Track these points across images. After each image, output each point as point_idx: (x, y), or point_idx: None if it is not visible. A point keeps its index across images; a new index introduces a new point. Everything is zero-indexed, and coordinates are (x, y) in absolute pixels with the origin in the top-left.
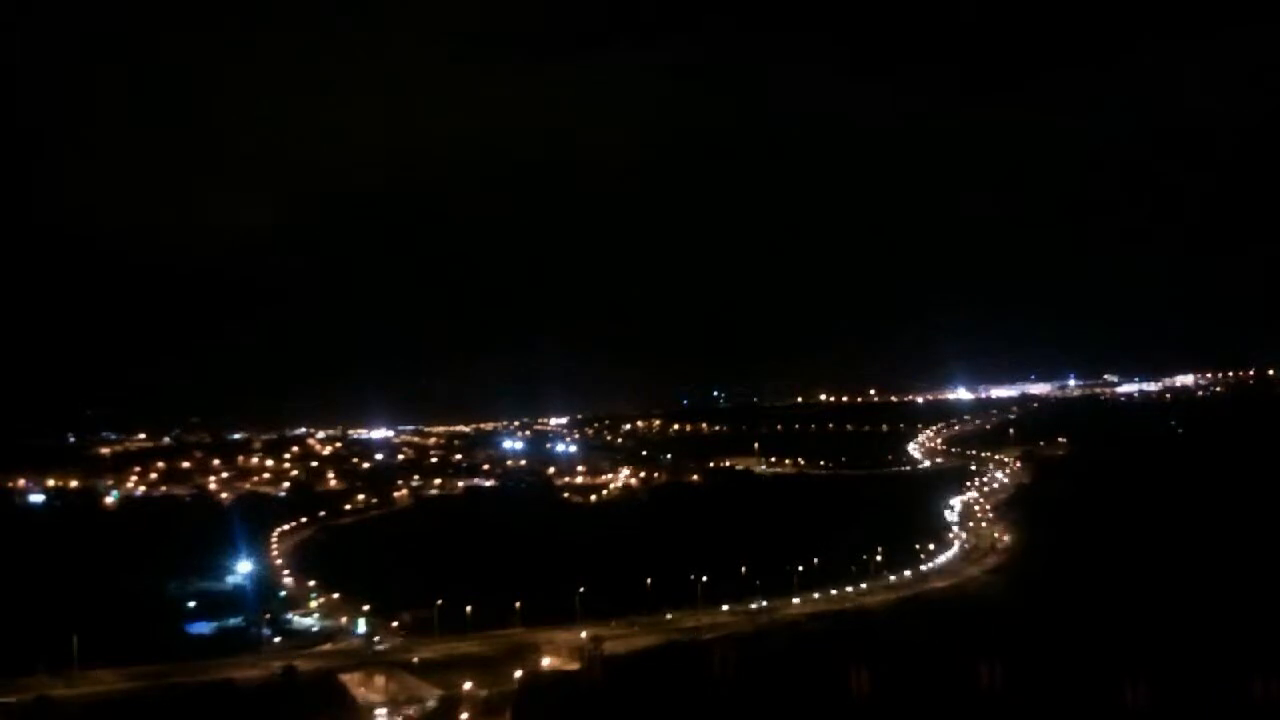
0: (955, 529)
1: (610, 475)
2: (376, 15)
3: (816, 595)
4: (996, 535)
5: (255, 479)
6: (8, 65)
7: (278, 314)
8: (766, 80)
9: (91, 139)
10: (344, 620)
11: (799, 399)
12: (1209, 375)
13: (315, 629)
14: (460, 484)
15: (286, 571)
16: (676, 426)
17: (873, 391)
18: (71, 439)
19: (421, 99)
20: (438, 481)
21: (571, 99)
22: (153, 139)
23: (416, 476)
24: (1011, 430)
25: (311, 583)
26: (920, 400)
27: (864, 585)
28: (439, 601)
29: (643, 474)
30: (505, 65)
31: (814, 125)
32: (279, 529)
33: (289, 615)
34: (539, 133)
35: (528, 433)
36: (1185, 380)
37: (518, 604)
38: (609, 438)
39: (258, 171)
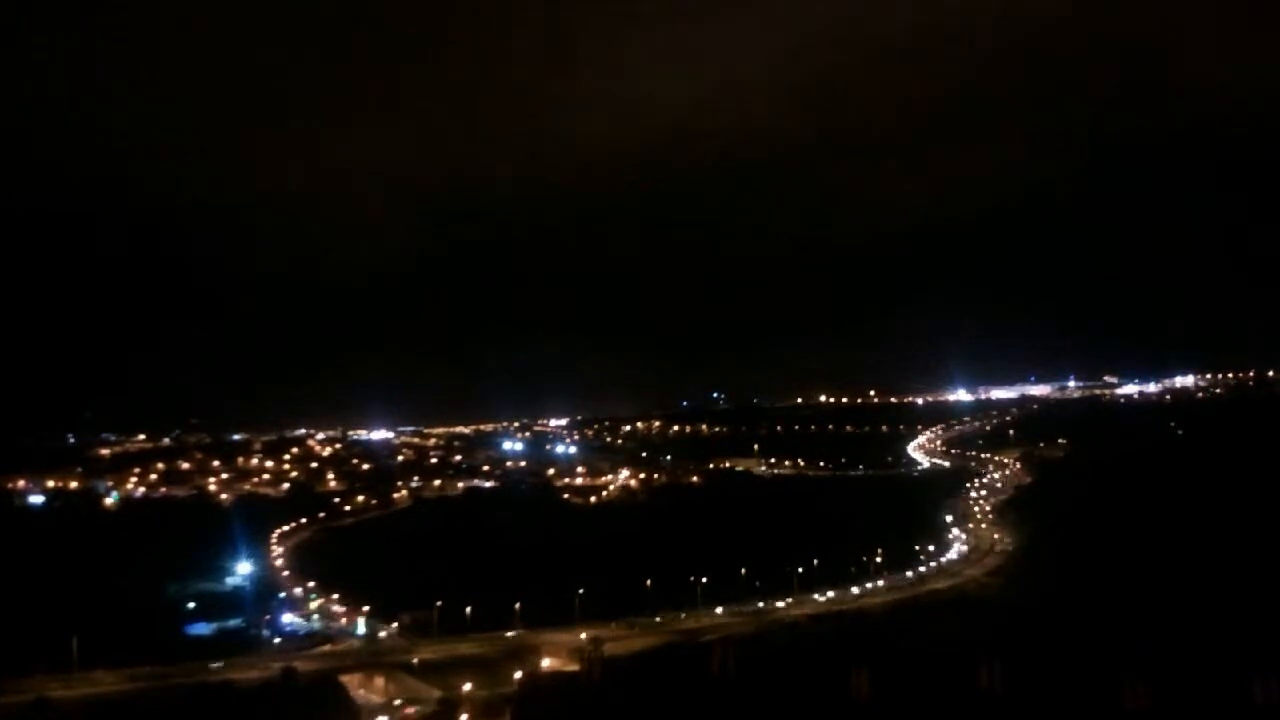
0: (955, 530)
1: (610, 476)
2: None
3: (816, 596)
4: (996, 536)
5: (255, 480)
6: None
7: (279, 314)
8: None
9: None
10: (344, 621)
11: (799, 399)
12: (1209, 376)
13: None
14: (460, 485)
15: (286, 572)
16: (676, 428)
17: (873, 392)
18: (71, 440)
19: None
20: (437, 482)
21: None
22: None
23: (416, 477)
24: (1011, 431)
25: (311, 584)
26: (920, 401)
27: (864, 586)
28: (439, 602)
29: (642, 475)
30: None
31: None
32: (279, 530)
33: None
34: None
35: (528, 434)
36: (1185, 381)
37: (517, 605)
38: (609, 439)
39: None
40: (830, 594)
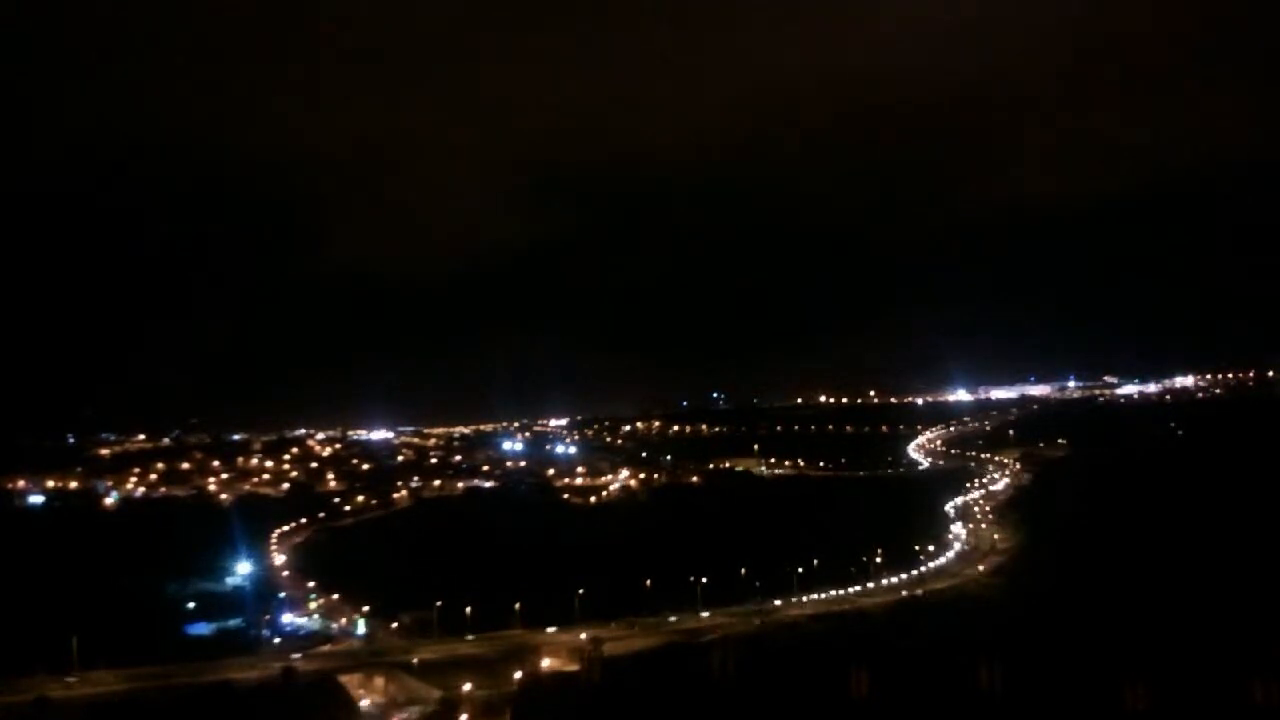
0: (955, 530)
1: (610, 477)
2: None
3: (816, 596)
4: (996, 536)
5: (255, 480)
6: None
7: (279, 314)
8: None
9: None
10: (344, 621)
11: (799, 399)
12: (1209, 376)
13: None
14: (460, 485)
15: (286, 573)
16: (676, 428)
17: (872, 392)
18: (71, 440)
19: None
20: (437, 482)
21: None
22: None
23: (416, 477)
24: (1011, 431)
25: (311, 584)
26: (920, 402)
27: (864, 586)
28: (439, 602)
29: (642, 475)
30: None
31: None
32: (279, 530)
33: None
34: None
35: (527, 434)
36: (1185, 381)
37: (517, 605)
38: (609, 439)
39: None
40: (830, 594)
